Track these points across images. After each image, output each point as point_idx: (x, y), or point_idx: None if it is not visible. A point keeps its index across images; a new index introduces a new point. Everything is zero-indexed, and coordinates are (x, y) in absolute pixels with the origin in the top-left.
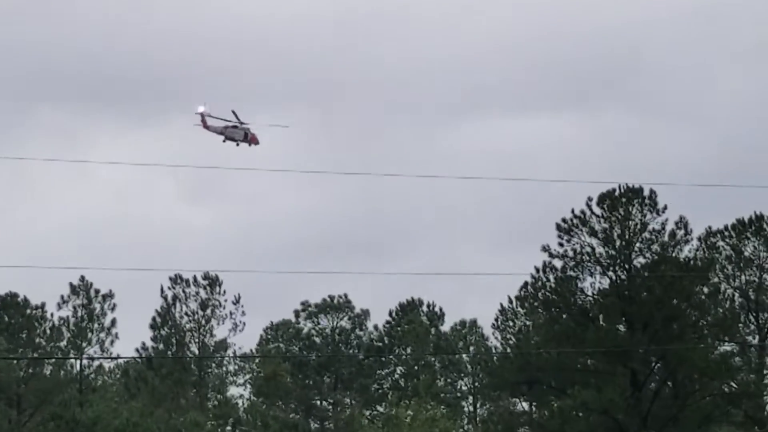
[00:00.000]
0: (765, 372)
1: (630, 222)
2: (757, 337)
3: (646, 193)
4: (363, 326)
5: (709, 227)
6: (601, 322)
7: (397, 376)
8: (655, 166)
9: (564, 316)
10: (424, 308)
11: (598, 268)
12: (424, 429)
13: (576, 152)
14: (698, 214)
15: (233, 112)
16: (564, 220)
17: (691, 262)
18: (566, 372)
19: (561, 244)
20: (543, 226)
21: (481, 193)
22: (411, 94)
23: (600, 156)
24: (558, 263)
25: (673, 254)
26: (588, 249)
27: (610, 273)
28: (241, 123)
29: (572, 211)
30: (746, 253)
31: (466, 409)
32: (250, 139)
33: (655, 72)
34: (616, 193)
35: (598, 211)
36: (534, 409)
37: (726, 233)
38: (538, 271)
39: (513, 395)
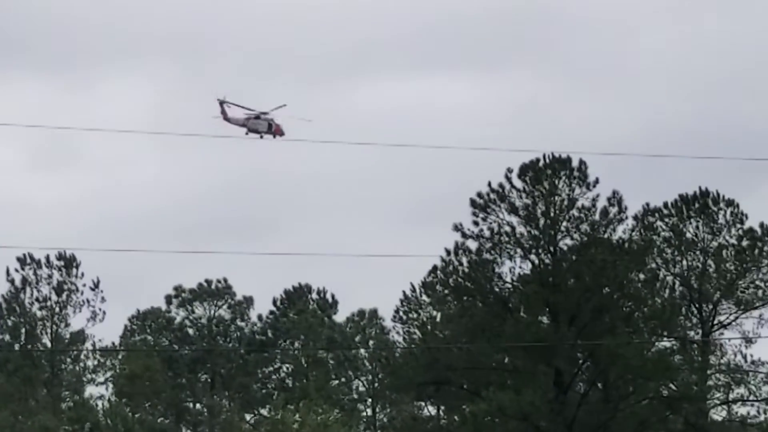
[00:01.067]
0: (709, 372)
1: (556, 198)
2: (699, 332)
3: (575, 164)
4: (244, 316)
5: (647, 204)
6: (522, 314)
7: (283, 374)
8: (580, 134)
9: (478, 305)
10: (314, 295)
11: (518, 250)
12: None
13: (486, 117)
14: (634, 189)
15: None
16: (479, 195)
17: (626, 244)
18: (480, 371)
19: (476, 223)
20: (455, 201)
21: (381, 163)
22: (295, 50)
23: (514, 122)
24: (472, 244)
25: (605, 235)
26: (507, 228)
27: (533, 256)
28: (264, 113)
29: (489, 185)
30: (688, 235)
31: (363, 413)
32: (274, 130)
33: (572, 28)
34: (540, 164)
35: (519, 184)
36: (442, 413)
37: (665, 212)
38: (448, 253)
39: (418, 398)
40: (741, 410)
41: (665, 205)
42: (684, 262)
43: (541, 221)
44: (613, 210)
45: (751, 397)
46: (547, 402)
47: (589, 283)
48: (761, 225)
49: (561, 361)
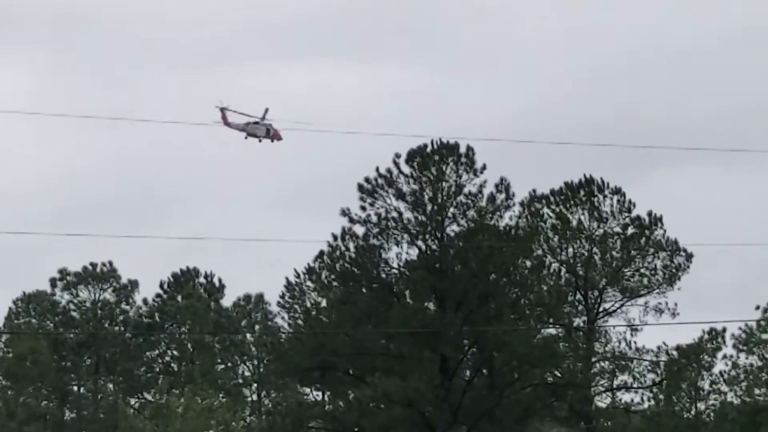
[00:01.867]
0: (593, 360)
1: (443, 183)
2: (585, 319)
3: (462, 150)
4: (130, 299)
5: (534, 191)
6: (408, 299)
7: (168, 358)
8: (467, 121)
9: (364, 291)
10: (202, 279)
11: (405, 236)
12: (199, 421)
13: (372, 104)
14: (521, 176)
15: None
16: (367, 180)
17: (512, 231)
18: (366, 357)
19: (363, 208)
20: (343, 186)
21: (269, 148)
22: (173, 36)
23: (401, 108)
24: (359, 230)
25: (492, 222)
26: (394, 214)
27: (420, 242)
28: (263, 119)
29: (377, 170)
30: (574, 223)
31: (248, 398)
32: (272, 135)
33: (458, 15)
34: (428, 150)
35: (406, 170)
36: (327, 399)
37: (552, 199)
38: (335, 238)
39: (303, 383)
40: (625, 397)
41: (552, 192)
42: (570, 250)
43: (429, 207)
44: (500, 196)
45: (636, 385)
46: (433, 388)
47: (475, 269)
48: (648, 213)
49: (447, 348)
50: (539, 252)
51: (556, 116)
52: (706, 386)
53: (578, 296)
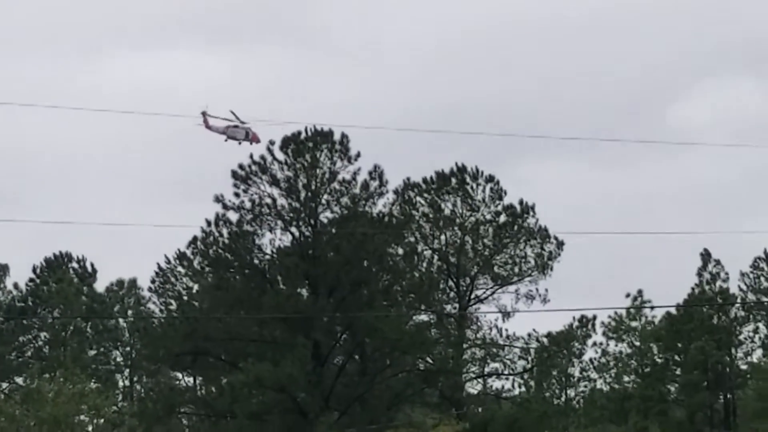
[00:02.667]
0: (465, 346)
1: (317, 170)
2: (456, 306)
3: (337, 137)
4: (1, 284)
5: (407, 179)
6: (281, 285)
7: (40, 343)
8: (342, 109)
9: (237, 277)
10: (74, 264)
11: (279, 222)
12: (70, 406)
13: (245, 92)
14: (395, 163)
15: (232, 112)
16: (241, 167)
17: (386, 218)
18: (238, 342)
19: (237, 194)
20: (217, 172)
21: (138, 133)
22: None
23: (275, 96)
24: (233, 216)
25: (365, 209)
26: (268, 200)
27: (293, 229)
28: (242, 123)
29: (251, 157)
30: (446, 211)
31: (120, 383)
32: (251, 138)
33: (331, 5)
34: (302, 137)
35: (280, 156)
36: (199, 384)
37: (425, 187)
38: (209, 224)
39: (175, 368)
40: (496, 384)
41: (424, 180)
42: (442, 237)
43: (302, 194)
44: (374, 184)
45: (506, 371)
46: (305, 374)
47: (348, 256)
48: (520, 202)
49: (319, 334)
50: (412, 239)
51: (430, 105)
52: (576, 373)
53: (450, 283)
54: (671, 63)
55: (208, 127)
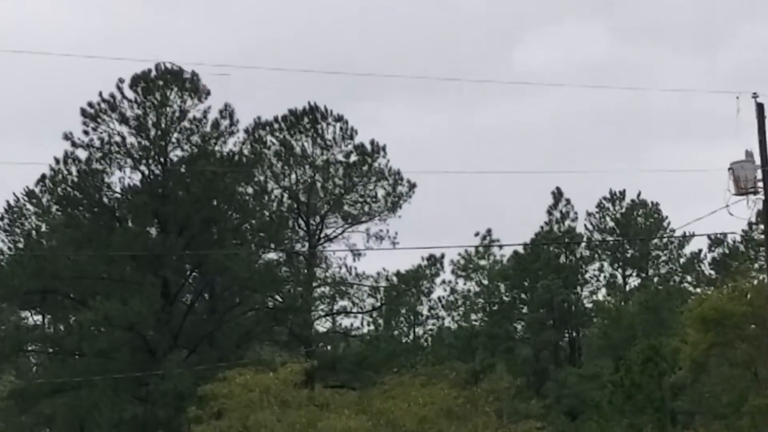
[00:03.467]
0: (314, 285)
1: (167, 109)
2: (306, 244)
3: (187, 75)
4: None
5: (258, 118)
6: (130, 224)
7: None
8: (190, 46)
9: (86, 215)
10: None
11: (128, 161)
12: None
13: (95, 32)
14: (246, 102)
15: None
16: (90, 105)
17: (236, 157)
18: (87, 281)
19: (86, 132)
20: (66, 110)
21: None
22: None
23: (124, 33)
24: (82, 154)
25: (215, 148)
26: (118, 139)
27: (143, 167)
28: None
29: (100, 95)
30: (297, 150)
31: None
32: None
33: None
34: (152, 75)
35: (130, 95)
36: (48, 323)
37: (276, 126)
38: (58, 162)
39: (23, 307)
40: (345, 322)
41: (275, 119)
42: (293, 176)
43: (152, 132)
44: (224, 123)
45: (355, 309)
46: (154, 312)
47: (198, 194)
48: (371, 142)
49: (168, 272)
50: (262, 178)
51: (281, 44)
52: (425, 311)
53: (300, 222)
54: (520, 4)
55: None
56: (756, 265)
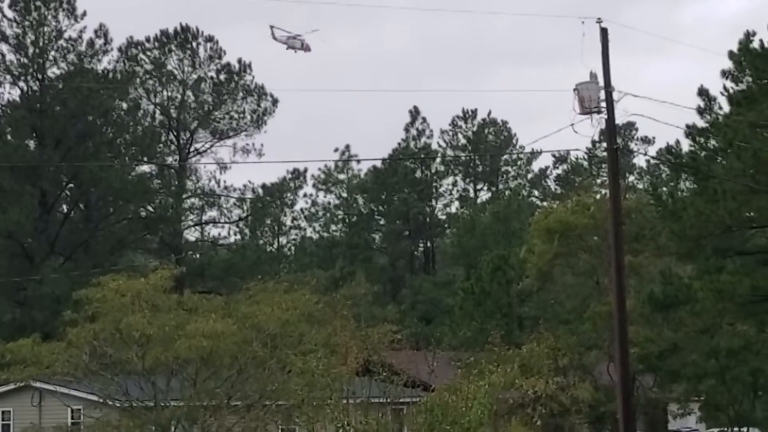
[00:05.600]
0: (184, 196)
1: (45, 28)
2: (177, 158)
3: None
4: None
5: (131, 37)
6: (9, 137)
7: None
8: None
9: None
10: None
11: (8, 77)
12: None
13: None
14: (119, 23)
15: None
16: None
17: (110, 74)
18: None
19: None
20: None
21: None
22: None
23: None
24: None
25: (91, 66)
26: None
27: (21, 83)
28: (297, 36)
29: None
30: (169, 67)
31: None
32: (304, 47)
33: None
34: None
35: (10, 14)
36: None
37: (148, 45)
38: None
39: None
40: (213, 231)
41: (148, 39)
42: (165, 93)
43: (30, 50)
44: (99, 42)
45: (223, 219)
46: (32, 221)
47: (74, 109)
48: (238, 60)
49: (46, 183)
50: (135, 95)
51: None
52: (288, 222)
53: (171, 137)
54: None
55: (274, 38)
56: (598, 181)
